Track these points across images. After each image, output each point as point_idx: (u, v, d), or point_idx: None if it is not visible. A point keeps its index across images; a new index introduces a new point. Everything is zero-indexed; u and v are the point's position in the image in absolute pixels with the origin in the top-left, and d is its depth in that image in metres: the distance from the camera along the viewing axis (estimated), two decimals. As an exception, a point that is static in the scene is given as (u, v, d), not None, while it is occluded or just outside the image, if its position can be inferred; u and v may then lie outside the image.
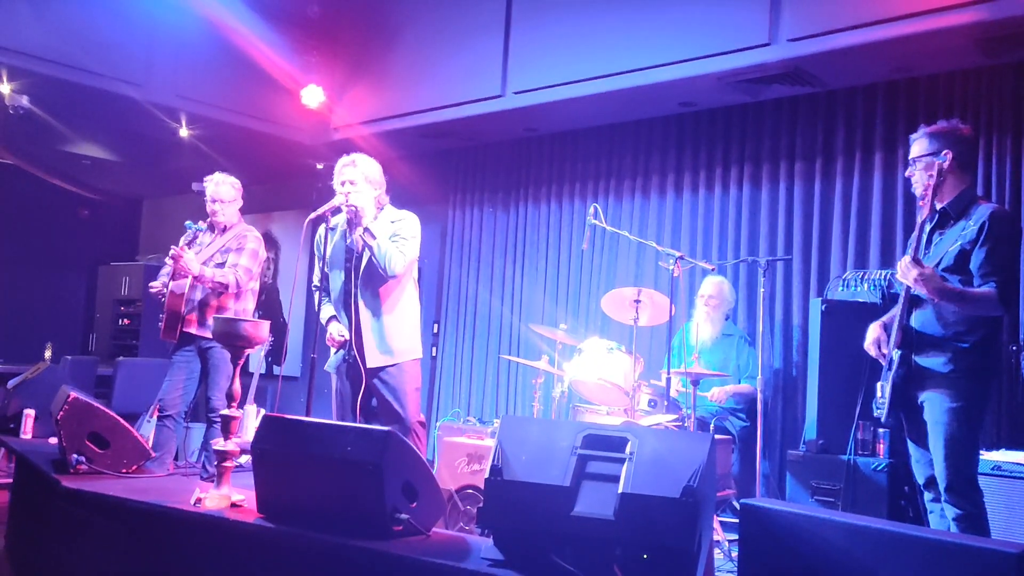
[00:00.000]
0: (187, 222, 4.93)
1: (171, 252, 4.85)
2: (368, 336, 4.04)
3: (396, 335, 4.11)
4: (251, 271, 5.03)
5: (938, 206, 3.39)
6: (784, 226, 5.80)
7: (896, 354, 3.33)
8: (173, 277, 4.91)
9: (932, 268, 3.23)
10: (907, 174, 3.51)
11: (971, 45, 4.63)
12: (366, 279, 4.07)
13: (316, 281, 4.18)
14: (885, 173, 5.38)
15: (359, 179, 4.11)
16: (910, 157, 3.46)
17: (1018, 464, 3.88)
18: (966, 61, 4.92)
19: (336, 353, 4.16)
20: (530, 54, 6.14)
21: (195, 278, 4.83)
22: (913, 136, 3.48)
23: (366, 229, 4.01)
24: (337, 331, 4.09)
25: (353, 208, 4.01)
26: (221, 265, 4.97)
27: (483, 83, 6.35)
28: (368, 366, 4.02)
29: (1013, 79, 4.92)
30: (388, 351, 4.07)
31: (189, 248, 4.90)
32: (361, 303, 4.06)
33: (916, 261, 3.22)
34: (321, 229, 4.29)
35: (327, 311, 4.18)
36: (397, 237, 4.11)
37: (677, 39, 5.38)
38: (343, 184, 4.11)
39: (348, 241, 4.17)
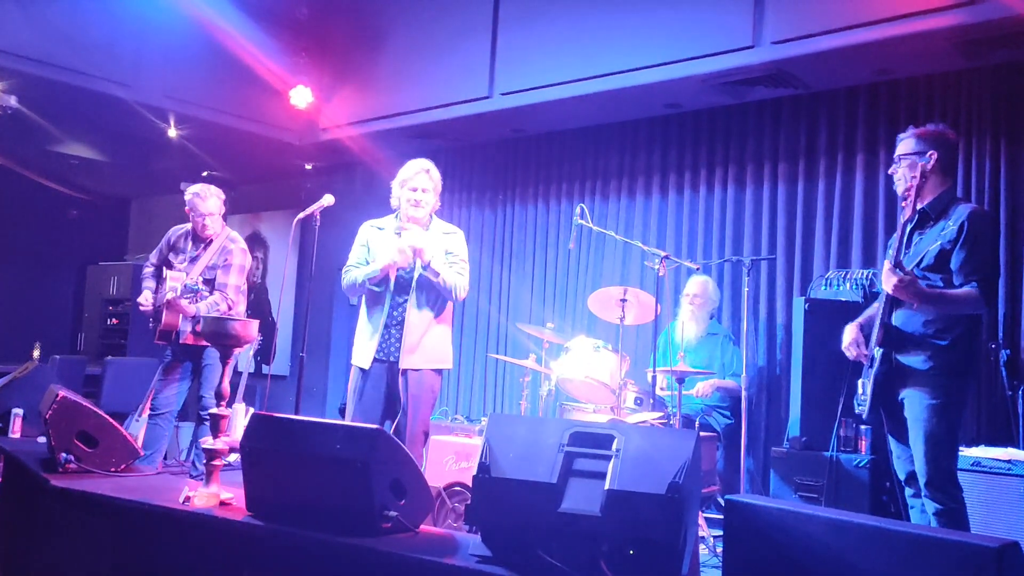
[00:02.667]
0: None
1: (170, 294, 4.88)
2: (409, 338, 4.05)
3: (436, 341, 4.14)
4: (240, 287, 5.09)
5: (918, 206, 3.44)
6: (768, 226, 5.85)
7: (878, 352, 3.38)
8: (168, 305, 4.93)
9: (912, 274, 3.27)
10: (890, 171, 3.57)
11: (951, 48, 4.69)
12: (418, 290, 4.09)
13: (351, 263, 4.21)
14: (867, 174, 5.44)
15: (430, 187, 4.16)
16: (896, 155, 3.51)
17: (997, 460, 3.94)
18: (946, 64, 4.99)
19: (371, 343, 4.12)
20: (517, 56, 6.17)
21: (190, 317, 4.88)
22: (901, 136, 3.54)
23: (427, 267, 4.03)
24: (397, 249, 4.05)
25: (417, 248, 4.02)
26: (209, 282, 5.01)
27: (470, 84, 6.38)
28: (402, 366, 4.04)
29: (992, 81, 4.99)
30: (425, 355, 4.09)
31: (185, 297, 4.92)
32: (410, 310, 4.08)
33: (897, 267, 3.26)
34: (367, 228, 4.28)
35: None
36: (454, 257, 4.15)
37: (662, 41, 5.42)
38: (415, 191, 4.13)
39: (379, 284, 4.17)
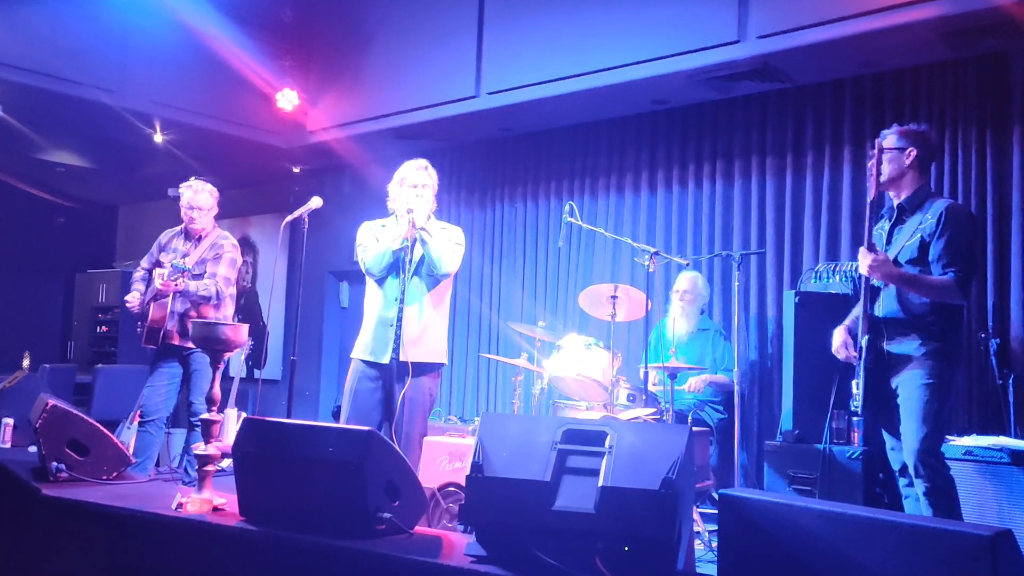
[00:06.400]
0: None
1: (158, 282, 4.86)
2: (408, 331, 4.03)
3: (432, 336, 4.13)
4: (230, 279, 5.07)
5: (895, 202, 3.62)
6: (757, 220, 5.86)
7: (864, 340, 3.44)
8: (155, 298, 4.92)
9: (885, 255, 3.41)
10: (870, 164, 3.67)
11: (935, 39, 4.71)
12: (416, 274, 4.09)
13: (365, 244, 4.19)
14: (854, 167, 5.45)
15: (430, 184, 4.16)
16: (879, 146, 3.63)
17: (989, 448, 3.95)
18: (931, 55, 5.01)
19: (372, 339, 4.11)
20: (503, 55, 6.16)
21: (180, 292, 4.86)
22: (885, 132, 3.68)
23: (422, 228, 4.04)
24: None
25: (411, 210, 4.03)
26: (199, 276, 5.00)
27: (457, 84, 6.37)
28: (402, 359, 4.00)
29: (976, 72, 5.01)
30: (424, 348, 4.08)
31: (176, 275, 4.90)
32: (407, 300, 4.06)
33: (870, 248, 3.42)
34: (371, 225, 4.26)
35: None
36: (448, 242, 4.15)
37: (648, 38, 5.43)
38: (415, 187, 4.12)
39: (402, 242, 4.16)
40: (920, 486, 3.30)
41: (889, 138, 3.63)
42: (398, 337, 4.00)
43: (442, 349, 4.22)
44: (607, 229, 6.10)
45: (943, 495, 3.27)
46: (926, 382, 3.35)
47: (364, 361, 4.12)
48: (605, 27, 5.63)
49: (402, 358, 4.00)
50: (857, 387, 3.48)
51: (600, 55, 5.63)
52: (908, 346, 3.40)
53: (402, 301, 4.02)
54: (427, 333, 4.11)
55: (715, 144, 6.11)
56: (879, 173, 3.53)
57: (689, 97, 5.91)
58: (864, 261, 3.41)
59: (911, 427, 3.34)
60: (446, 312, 4.29)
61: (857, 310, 3.65)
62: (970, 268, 3.43)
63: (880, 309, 3.49)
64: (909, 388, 3.38)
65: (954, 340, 3.44)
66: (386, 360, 4.03)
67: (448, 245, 4.12)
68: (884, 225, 3.65)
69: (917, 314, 3.41)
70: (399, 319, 4.02)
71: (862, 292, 3.50)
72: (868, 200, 3.56)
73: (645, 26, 5.46)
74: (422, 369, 4.06)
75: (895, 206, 3.62)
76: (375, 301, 4.17)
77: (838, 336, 3.63)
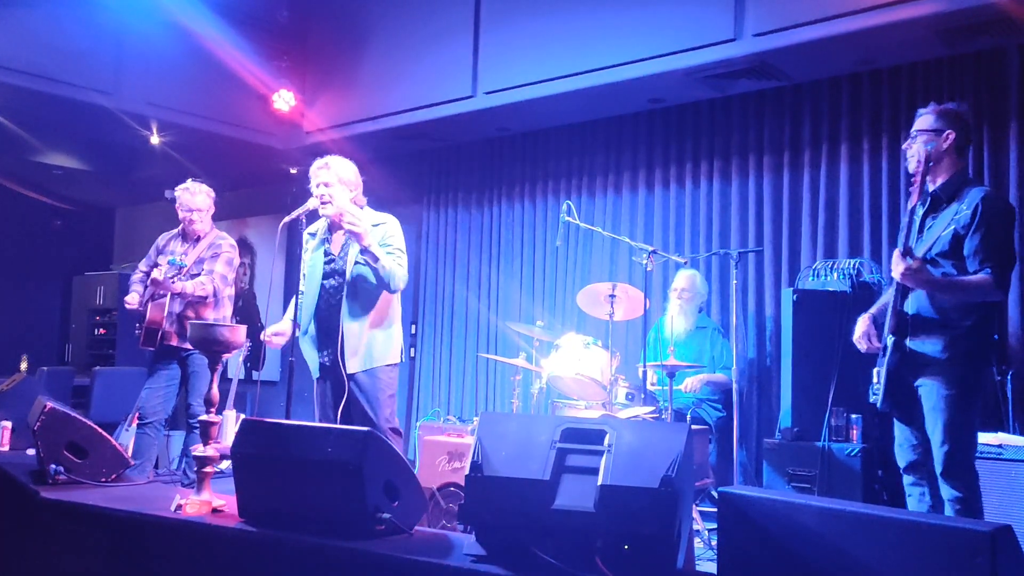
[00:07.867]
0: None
1: (152, 275, 4.88)
2: (350, 341, 4.02)
3: (377, 340, 4.09)
4: (227, 278, 5.07)
5: (930, 188, 3.38)
6: (754, 218, 5.86)
7: (890, 340, 3.30)
8: (152, 298, 4.94)
9: (920, 261, 3.21)
10: (904, 146, 3.48)
11: (932, 36, 4.72)
12: (352, 286, 4.04)
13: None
14: (851, 164, 5.46)
15: (333, 180, 4.05)
16: (913, 130, 3.43)
17: (988, 445, 3.95)
18: (927, 52, 5.01)
19: (316, 356, 4.15)
20: (500, 54, 6.17)
21: (176, 294, 4.87)
22: (921, 111, 3.47)
23: (366, 250, 3.94)
24: (271, 331, 4.11)
25: (347, 222, 3.94)
26: (197, 276, 5.00)
27: (454, 84, 6.37)
28: (348, 371, 4.01)
29: (973, 69, 5.01)
30: (368, 356, 4.05)
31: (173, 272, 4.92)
32: (345, 309, 4.03)
33: (906, 253, 3.21)
34: (305, 239, 4.26)
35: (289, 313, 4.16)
36: (391, 248, 4.07)
37: (644, 36, 5.43)
38: (318, 187, 4.07)
39: (326, 246, 4.16)
40: (947, 493, 3.20)
41: (925, 118, 3.39)
42: (338, 352, 4.01)
43: (390, 353, 4.13)
44: (605, 228, 6.10)
45: (968, 505, 3.17)
46: (947, 393, 3.20)
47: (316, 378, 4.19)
48: (601, 26, 5.63)
49: (349, 370, 4.01)
50: (878, 378, 3.34)
51: (596, 54, 5.63)
52: (932, 347, 3.25)
53: (339, 321, 4.03)
54: (370, 343, 4.06)
55: (712, 142, 6.11)
56: (923, 179, 3.28)
57: (686, 96, 5.91)
58: (898, 268, 3.21)
59: (937, 439, 3.22)
60: (393, 314, 4.20)
61: (885, 298, 3.49)
62: (1008, 263, 3.24)
63: (911, 306, 3.31)
64: (931, 398, 3.24)
65: (982, 340, 3.27)
66: (319, 375, 4.13)
67: (393, 265, 4.01)
68: (918, 212, 3.39)
69: (946, 314, 3.24)
70: (334, 331, 4.02)
71: (893, 288, 3.33)
72: (908, 205, 3.33)
73: (641, 25, 5.46)
74: (370, 375, 4.06)
75: (930, 193, 3.36)
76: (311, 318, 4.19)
77: (861, 325, 3.46)
